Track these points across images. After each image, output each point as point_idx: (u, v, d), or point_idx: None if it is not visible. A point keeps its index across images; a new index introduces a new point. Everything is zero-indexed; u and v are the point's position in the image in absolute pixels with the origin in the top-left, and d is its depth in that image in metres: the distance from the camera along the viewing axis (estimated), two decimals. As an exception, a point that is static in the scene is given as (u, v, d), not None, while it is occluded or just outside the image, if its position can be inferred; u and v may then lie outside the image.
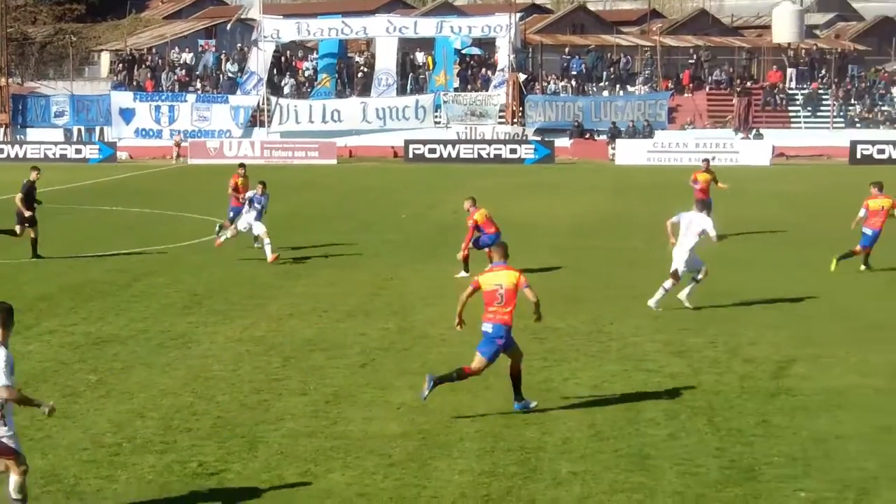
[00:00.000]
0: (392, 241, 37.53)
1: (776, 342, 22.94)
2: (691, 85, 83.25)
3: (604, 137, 76.73)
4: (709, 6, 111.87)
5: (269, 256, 32.55)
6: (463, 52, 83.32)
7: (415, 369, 20.68)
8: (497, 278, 17.87)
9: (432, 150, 73.80)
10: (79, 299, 27.47)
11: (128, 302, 27.20)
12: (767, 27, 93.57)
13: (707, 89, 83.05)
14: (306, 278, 30.58)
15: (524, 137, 76.05)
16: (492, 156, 72.71)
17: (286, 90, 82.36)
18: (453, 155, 73.09)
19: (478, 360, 17.85)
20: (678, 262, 25.88)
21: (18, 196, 33.60)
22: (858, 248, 31.12)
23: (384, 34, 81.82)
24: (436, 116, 79.26)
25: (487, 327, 17.77)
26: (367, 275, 31.13)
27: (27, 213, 33.32)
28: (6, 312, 13.08)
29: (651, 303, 25.92)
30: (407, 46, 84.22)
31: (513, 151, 73.18)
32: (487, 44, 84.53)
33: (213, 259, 33.48)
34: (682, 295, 26.07)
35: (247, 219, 33.08)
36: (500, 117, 78.84)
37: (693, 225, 25.88)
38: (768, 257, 34.18)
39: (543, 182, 58.64)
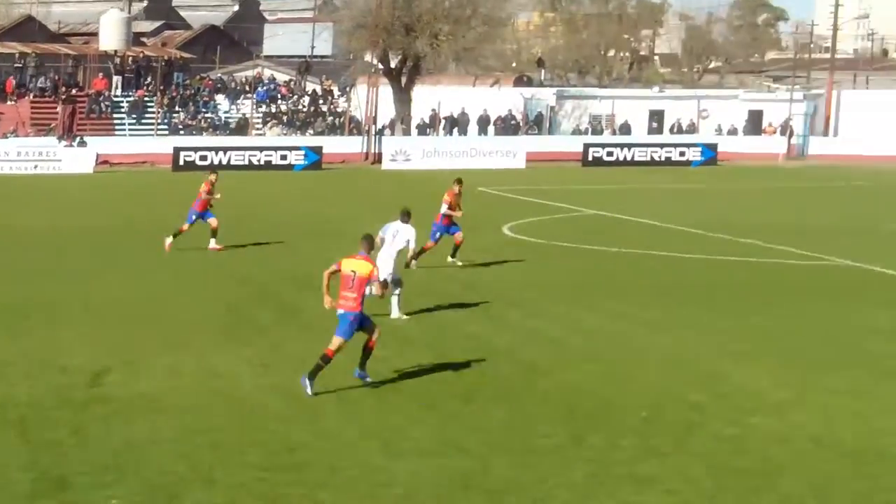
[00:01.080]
0: None
1: (92, 350, 22.94)
2: (16, 93, 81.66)
3: None
4: (36, 12, 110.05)
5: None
6: None
7: None
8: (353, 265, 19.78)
9: None
10: None
11: None
12: (95, 34, 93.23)
13: (31, 97, 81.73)
14: None
15: None
16: None
17: None
18: None
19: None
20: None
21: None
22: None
23: None
24: None
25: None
26: None
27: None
28: None
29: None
30: None
31: None
32: None
33: None
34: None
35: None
36: None
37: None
38: (79, 265, 34.05)
39: None
